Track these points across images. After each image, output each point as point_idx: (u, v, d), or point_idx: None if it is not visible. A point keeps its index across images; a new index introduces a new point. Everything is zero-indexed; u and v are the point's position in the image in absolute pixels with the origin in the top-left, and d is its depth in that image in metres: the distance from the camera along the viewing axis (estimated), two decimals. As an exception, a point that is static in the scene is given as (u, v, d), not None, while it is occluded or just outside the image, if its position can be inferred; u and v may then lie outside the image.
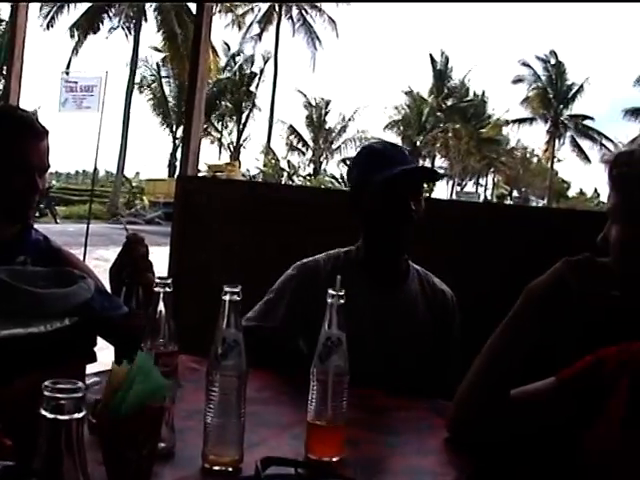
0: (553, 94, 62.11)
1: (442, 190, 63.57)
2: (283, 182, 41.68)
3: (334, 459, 1.73)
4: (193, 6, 4.90)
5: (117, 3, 44.01)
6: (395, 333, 2.61)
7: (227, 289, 1.62)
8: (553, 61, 62.31)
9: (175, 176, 4.52)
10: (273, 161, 48.62)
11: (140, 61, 48.89)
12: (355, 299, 1.82)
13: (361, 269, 2.66)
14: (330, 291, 1.75)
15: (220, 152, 58.41)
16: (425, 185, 2.79)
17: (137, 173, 47.12)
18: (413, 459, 1.83)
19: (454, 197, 56.25)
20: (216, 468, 1.62)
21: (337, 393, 1.72)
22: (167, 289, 1.69)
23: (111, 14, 45.10)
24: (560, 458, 1.89)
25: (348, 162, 46.86)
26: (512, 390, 1.93)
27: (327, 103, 62.78)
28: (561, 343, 2.40)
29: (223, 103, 55.46)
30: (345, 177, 2.81)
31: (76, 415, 0.90)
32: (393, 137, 63.08)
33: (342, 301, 1.74)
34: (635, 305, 1.79)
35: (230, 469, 1.62)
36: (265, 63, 56.86)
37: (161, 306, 1.68)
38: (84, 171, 76.94)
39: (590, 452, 1.78)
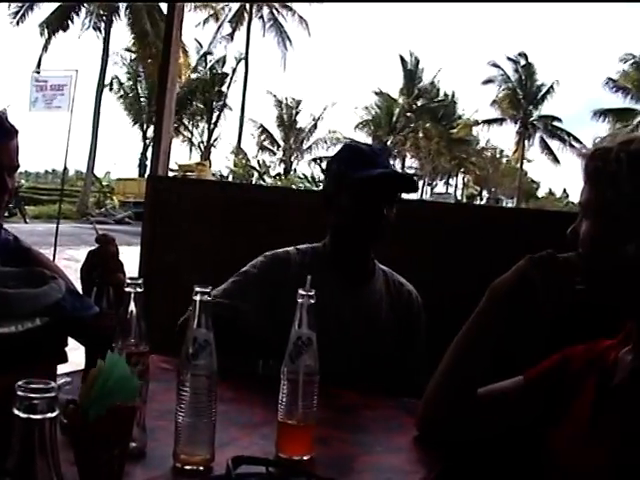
0: (523, 95, 62.45)
1: (412, 190, 63.69)
2: (254, 182, 41.55)
3: (304, 458, 1.74)
4: (164, 5, 4.89)
5: (88, 2, 43.79)
6: (357, 332, 2.62)
7: (198, 289, 1.63)
8: (523, 62, 62.68)
9: (145, 176, 4.51)
10: (244, 161, 48.48)
11: (111, 60, 48.66)
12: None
13: (328, 266, 2.67)
14: (300, 291, 1.76)
15: (191, 152, 58.34)
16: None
17: (108, 173, 46.82)
18: (383, 457, 1.85)
19: (430, 198, 56.27)
20: (187, 467, 1.62)
21: (307, 392, 1.73)
22: (138, 289, 1.69)
23: (82, 12, 44.80)
24: (527, 457, 1.91)
25: (319, 161, 46.80)
26: (480, 389, 1.95)
27: (298, 103, 62.78)
28: (528, 341, 2.43)
29: (194, 103, 55.24)
30: (319, 175, 2.82)
31: (49, 415, 0.91)
32: (364, 137, 63.24)
33: (312, 301, 1.76)
34: (601, 300, 1.81)
35: (201, 468, 1.62)
36: (237, 63, 56.80)
37: (132, 306, 1.68)
38: (54, 170, 76.48)
39: (555, 451, 1.81)
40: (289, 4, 55.41)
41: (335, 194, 2.64)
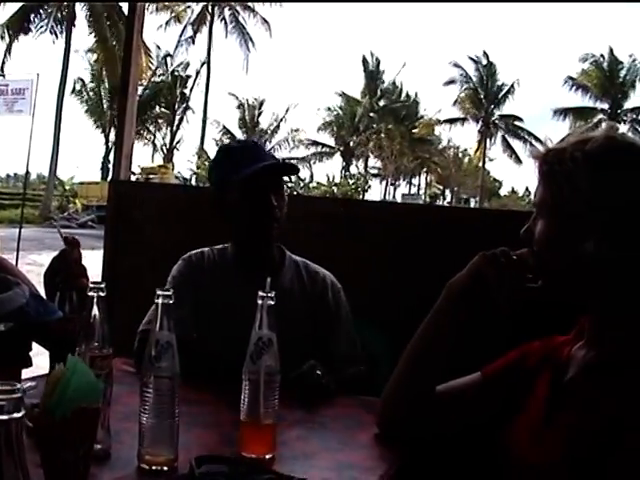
0: (484, 94, 62.74)
1: (376, 190, 63.89)
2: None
3: (267, 456, 1.77)
4: (125, 6, 4.87)
5: (46, 3, 43.39)
6: None
7: (159, 292, 1.66)
8: (484, 62, 63.00)
9: (108, 179, 4.50)
10: (207, 163, 48.32)
11: (72, 63, 48.35)
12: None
13: (234, 264, 2.75)
14: (260, 292, 1.79)
15: (153, 154, 57.99)
16: (287, 181, 2.85)
17: (72, 177, 46.29)
18: (343, 454, 1.88)
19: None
20: (152, 468, 1.65)
21: (269, 392, 1.76)
22: (100, 293, 1.70)
23: (42, 15, 44.37)
24: (485, 453, 1.95)
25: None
26: (438, 386, 1.99)
27: (260, 104, 62.61)
28: (486, 338, 2.47)
29: (157, 106, 54.90)
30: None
31: (15, 415, 0.93)
32: (327, 138, 63.27)
33: (272, 302, 1.79)
34: (554, 298, 1.85)
35: (165, 468, 1.65)
36: (201, 66, 56.61)
37: (95, 310, 1.69)
38: (15, 174, 75.48)
39: (511, 447, 1.84)
40: (251, 5, 55.38)
41: (222, 199, 2.69)
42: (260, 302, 1.79)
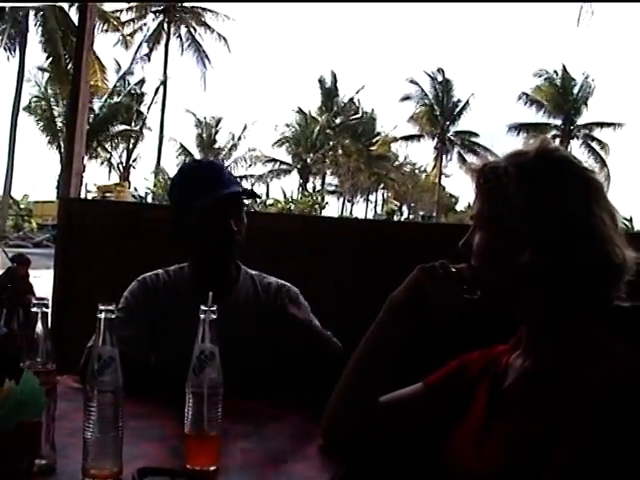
0: (440, 111, 63.19)
1: (333, 207, 63.94)
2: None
3: (211, 468, 1.79)
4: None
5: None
6: (225, 342, 2.54)
7: (102, 307, 1.68)
8: (440, 78, 63.47)
9: (60, 198, 4.48)
10: (163, 181, 48.15)
11: (26, 81, 47.95)
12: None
13: (190, 284, 2.76)
14: (202, 307, 1.81)
15: (110, 173, 57.61)
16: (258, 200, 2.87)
17: (25, 195, 45.96)
18: (289, 465, 1.91)
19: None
20: (96, 481, 1.66)
21: (212, 404, 1.78)
22: (44, 309, 1.72)
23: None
24: (427, 461, 1.98)
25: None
26: (382, 397, 2.02)
27: (218, 121, 62.59)
28: (427, 348, 2.50)
29: (114, 124, 54.49)
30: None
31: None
32: (284, 154, 63.30)
33: (214, 316, 1.81)
34: (491, 309, 1.89)
35: (110, 481, 1.66)
36: (160, 85, 56.40)
37: (39, 326, 1.71)
38: (-32, 194, 74.55)
39: (452, 455, 1.87)
40: (206, 21, 55.45)
41: (181, 220, 2.70)
42: (202, 316, 1.81)
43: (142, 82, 56.43)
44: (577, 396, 1.62)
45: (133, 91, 55.43)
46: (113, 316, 1.68)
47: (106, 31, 48.16)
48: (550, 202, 1.74)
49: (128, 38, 54.14)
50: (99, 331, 1.67)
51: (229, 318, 2.59)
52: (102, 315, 1.67)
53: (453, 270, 1.87)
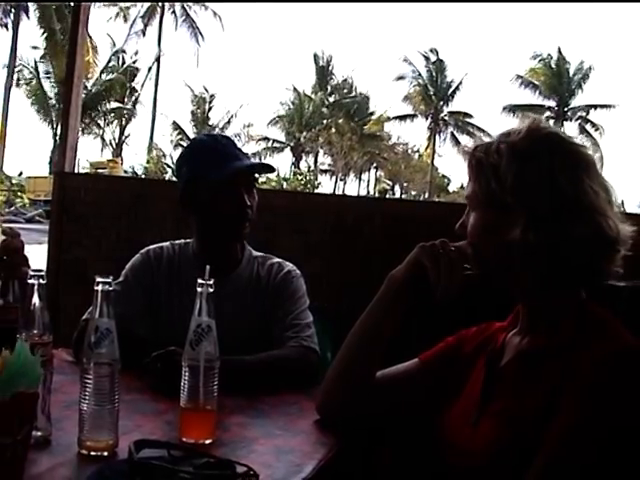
0: (434, 91, 63.10)
1: (326, 186, 63.89)
2: (167, 179, 41.19)
3: (206, 442, 1.80)
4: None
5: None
6: (227, 318, 2.32)
7: (99, 279, 1.68)
8: (434, 58, 63.35)
9: (53, 172, 4.50)
10: (156, 157, 48.05)
11: (19, 57, 47.70)
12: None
13: (195, 260, 2.69)
14: (199, 280, 1.82)
15: (103, 149, 57.43)
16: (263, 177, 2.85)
17: (20, 173, 45.63)
18: (283, 440, 1.91)
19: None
20: (92, 453, 1.67)
21: (208, 378, 1.79)
22: (41, 280, 1.72)
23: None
24: (422, 438, 1.99)
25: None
26: (378, 372, 2.03)
27: (211, 98, 62.33)
28: (425, 324, 2.51)
29: (108, 100, 54.22)
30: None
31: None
32: (277, 133, 63.20)
33: (211, 290, 1.81)
34: (490, 285, 1.89)
35: (105, 453, 1.67)
36: (154, 62, 56.20)
37: (35, 297, 1.71)
38: (-39, 169, 74.25)
39: (447, 430, 1.89)
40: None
41: (193, 196, 2.65)
42: (200, 289, 1.81)
43: (136, 59, 56.27)
44: (574, 376, 1.63)
45: (128, 67, 55.19)
46: (110, 288, 1.68)
47: (104, 4, 47.96)
48: (539, 176, 1.75)
49: (125, 12, 53.94)
50: (96, 303, 1.67)
51: (231, 297, 2.61)
52: (99, 287, 1.67)
53: (452, 248, 1.87)
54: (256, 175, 2.77)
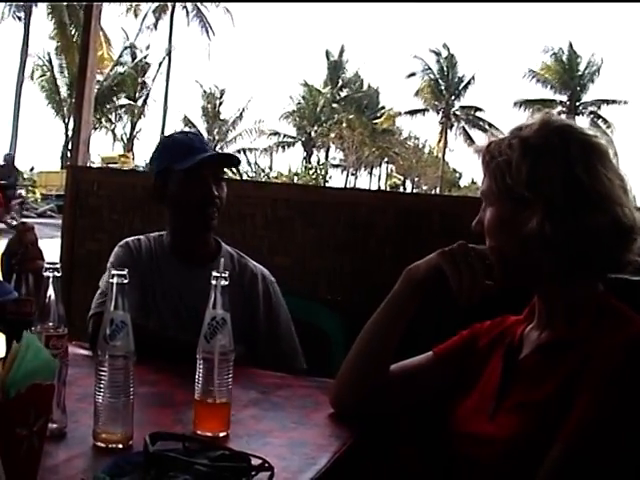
0: (445, 86, 62.96)
1: (337, 180, 63.87)
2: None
3: (221, 434, 1.80)
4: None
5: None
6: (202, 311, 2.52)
7: (114, 272, 1.68)
8: (445, 54, 63.22)
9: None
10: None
11: (31, 50, 47.77)
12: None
13: (170, 252, 2.79)
14: (214, 273, 1.82)
15: (114, 144, 57.46)
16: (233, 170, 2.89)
17: (32, 168, 45.64)
18: (297, 433, 1.91)
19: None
20: (107, 446, 1.67)
21: (223, 371, 1.79)
22: (56, 273, 1.72)
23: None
24: (437, 431, 1.99)
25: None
26: (392, 365, 2.03)
27: (222, 93, 62.26)
28: (439, 319, 2.51)
29: (119, 95, 54.26)
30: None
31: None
32: (289, 128, 63.19)
33: (226, 282, 1.82)
34: (511, 286, 1.89)
35: (120, 446, 1.67)
36: (165, 57, 56.20)
37: (50, 290, 1.71)
38: (-27, 163, 74.37)
39: (462, 425, 1.88)
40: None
41: (164, 189, 2.74)
42: (214, 282, 1.81)
43: (147, 53, 56.31)
44: (594, 363, 1.64)
45: (138, 62, 55.22)
46: (125, 281, 1.68)
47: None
48: (554, 168, 1.75)
49: (136, 7, 54.01)
50: (111, 296, 1.67)
51: (206, 293, 2.62)
52: (114, 280, 1.68)
53: (472, 254, 1.86)
54: (225, 169, 2.89)
